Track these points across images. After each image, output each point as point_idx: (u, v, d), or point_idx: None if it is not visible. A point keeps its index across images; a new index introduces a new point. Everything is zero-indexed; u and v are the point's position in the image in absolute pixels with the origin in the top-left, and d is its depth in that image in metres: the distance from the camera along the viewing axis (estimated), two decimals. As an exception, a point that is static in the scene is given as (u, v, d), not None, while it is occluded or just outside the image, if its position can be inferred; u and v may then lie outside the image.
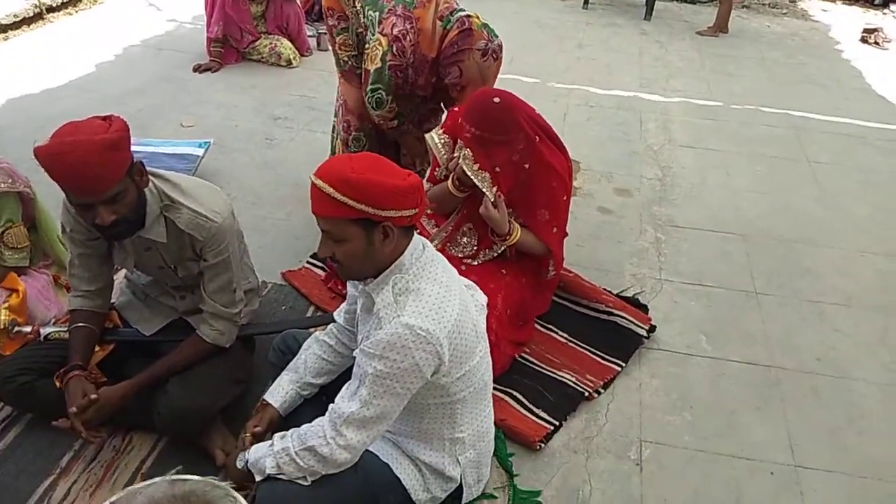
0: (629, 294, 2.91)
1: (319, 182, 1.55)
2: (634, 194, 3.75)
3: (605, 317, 2.71)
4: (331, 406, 1.70)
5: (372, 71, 2.69)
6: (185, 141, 3.72)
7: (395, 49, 2.63)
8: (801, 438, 2.37)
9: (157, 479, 0.98)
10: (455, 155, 2.45)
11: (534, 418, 2.34)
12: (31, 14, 5.57)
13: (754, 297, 3.01)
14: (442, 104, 2.98)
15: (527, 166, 2.41)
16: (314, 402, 1.97)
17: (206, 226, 1.99)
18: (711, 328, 2.83)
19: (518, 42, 5.84)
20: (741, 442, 2.35)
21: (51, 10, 5.76)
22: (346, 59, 2.96)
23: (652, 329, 2.72)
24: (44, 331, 2.21)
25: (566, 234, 2.61)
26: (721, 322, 2.86)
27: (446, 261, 1.78)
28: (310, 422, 1.76)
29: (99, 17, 5.86)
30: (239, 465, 1.79)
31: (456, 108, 2.53)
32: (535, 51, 5.74)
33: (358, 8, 2.80)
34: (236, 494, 0.97)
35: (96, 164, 1.74)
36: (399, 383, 1.61)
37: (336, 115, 3.18)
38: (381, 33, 2.67)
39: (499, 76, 2.68)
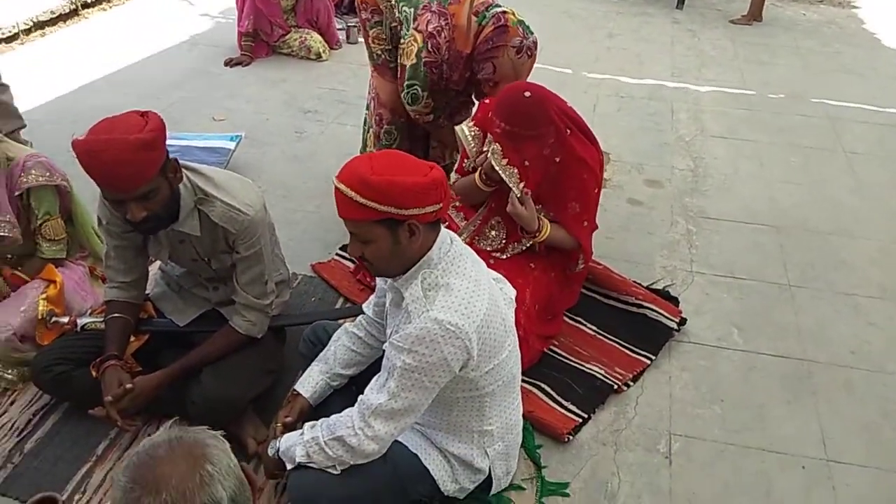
0: (659, 286, 2.89)
1: (341, 186, 1.57)
2: (665, 185, 3.71)
3: (634, 309, 2.69)
4: (360, 397, 1.71)
5: (408, 67, 2.70)
6: (216, 134, 3.77)
7: (429, 46, 2.64)
8: (834, 433, 2.34)
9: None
10: (485, 149, 2.44)
11: (562, 410, 2.34)
12: (67, 10, 5.67)
13: (787, 290, 2.97)
14: (473, 96, 2.98)
15: (557, 160, 2.39)
16: (344, 393, 1.99)
17: (239, 219, 2.02)
18: (743, 321, 2.79)
19: (547, 32, 5.78)
20: (772, 436, 2.32)
21: (86, 5, 5.86)
22: (379, 52, 2.96)
23: (682, 322, 2.69)
24: (80, 321, 2.26)
25: (596, 227, 2.59)
26: (753, 315, 2.83)
27: (475, 254, 1.78)
28: (339, 412, 1.78)
29: (132, 13, 5.95)
30: (270, 453, 1.82)
31: (487, 101, 2.52)
32: (565, 41, 5.69)
33: (392, 2, 2.80)
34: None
35: (128, 163, 1.77)
36: (427, 377, 1.62)
37: (368, 108, 3.19)
38: (415, 29, 2.68)
39: (529, 69, 2.68)
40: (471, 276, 1.67)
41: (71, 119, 4.01)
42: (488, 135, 2.43)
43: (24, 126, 3.47)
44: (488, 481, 1.91)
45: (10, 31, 5.11)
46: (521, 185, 2.37)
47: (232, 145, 3.62)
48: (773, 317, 2.82)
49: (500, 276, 1.91)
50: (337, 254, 3.04)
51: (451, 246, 1.70)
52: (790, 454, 2.26)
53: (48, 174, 2.38)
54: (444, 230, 1.72)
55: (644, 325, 2.65)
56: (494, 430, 1.84)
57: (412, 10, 2.72)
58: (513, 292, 1.90)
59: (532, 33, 2.61)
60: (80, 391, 2.12)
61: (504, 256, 2.56)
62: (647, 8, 6.66)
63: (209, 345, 2.13)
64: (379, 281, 1.93)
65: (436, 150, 3.17)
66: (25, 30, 5.28)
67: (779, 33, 6.14)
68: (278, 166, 3.73)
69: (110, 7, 6.03)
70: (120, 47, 5.15)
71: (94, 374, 2.08)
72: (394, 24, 2.84)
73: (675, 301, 2.79)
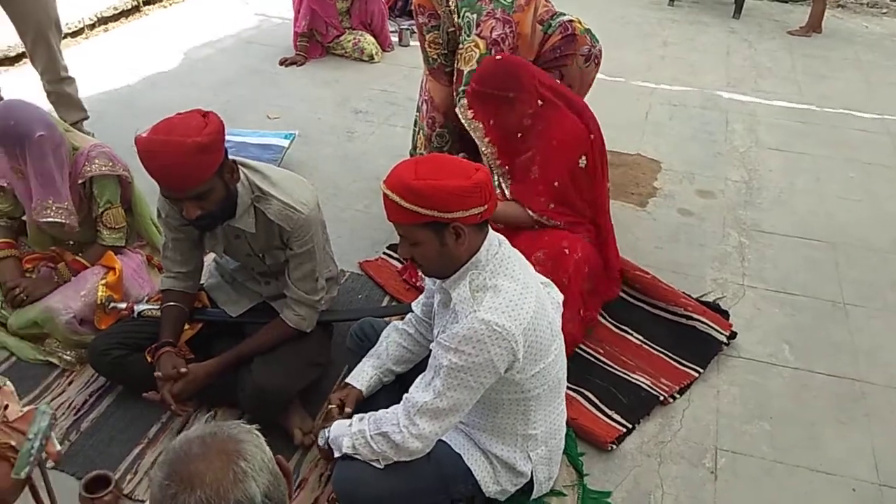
0: (709, 299, 2.84)
1: (387, 191, 1.61)
2: (718, 196, 3.65)
3: (683, 321, 2.66)
4: (405, 395, 1.73)
5: (466, 72, 2.69)
6: (271, 132, 3.84)
7: (493, 52, 2.63)
8: (887, 456, 2.27)
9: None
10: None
11: (606, 419, 2.32)
12: (129, 7, 5.83)
13: (842, 308, 2.90)
14: None
15: (528, 122, 2.42)
16: (389, 389, 2.02)
17: (294, 217, 2.06)
18: (795, 338, 2.73)
19: (600, 39, 5.75)
20: (822, 456, 2.27)
21: (147, 2, 6.02)
22: (435, 56, 2.98)
23: (732, 336, 2.65)
24: (137, 308, 2.33)
25: (546, 206, 2.49)
26: (805, 332, 2.77)
27: (522, 257, 1.79)
28: (385, 407, 1.81)
29: (191, 11, 6.09)
30: (320, 441, 1.86)
31: None
32: (618, 48, 5.63)
33: (452, 7, 2.81)
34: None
35: (183, 166, 1.83)
36: (473, 377, 1.63)
37: (419, 110, 3.21)
38: (478, 35, 2.67)
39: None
40: (519, 278, 1.68)
41: (130, 113, 4.13)
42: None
43: (87, 118, 3.59)
44: (529, 485, 1.91)
45: (75, 27, 5.27)
46: (486, 139, 2.43)
47: (286, 143, 3.68)
48: (827, 335, 2.76)
49: (547, 280, 1.91)
50: (384, 252, 3.07)
51: (499, 248, 1.71)
52: (840, 475, 2.20)
53: (111, 164, 2.46)
54: (492, 232, 1.73)
55: (693, 338, 2.61)
56: (539, 435, 1.83)
57: (475, 15, 2.72)
58: (560, 297, 1.89)
59: (598, 42, 2.63)
60: (135, 375, 2.18)
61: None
62: (702, 16, 6.57)
63: (260, 336, 2.18)
64: (427, 281, 1.95)
65: None
66: (90, 25, 5.45)
67: (839, 45, 5.99)
68: (329, 165, 3.78)
69: (170, 4, 6.18)
70: (178, 44, 5.28)
71: (148, 359, 2.14)
72: (451, 28, 2.85)
73: (725, 314, 2.74)
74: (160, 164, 1.82)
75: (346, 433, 1.79)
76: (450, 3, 2.81)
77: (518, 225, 2.48)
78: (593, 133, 2.48)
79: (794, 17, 6.62)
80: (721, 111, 4.63)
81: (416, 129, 3.28)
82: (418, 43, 3.10)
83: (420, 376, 1.77)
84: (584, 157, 2.45)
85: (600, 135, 2.51)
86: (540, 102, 2.39)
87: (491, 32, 2.64)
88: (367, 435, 1.74)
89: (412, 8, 3.04)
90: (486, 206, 1.62)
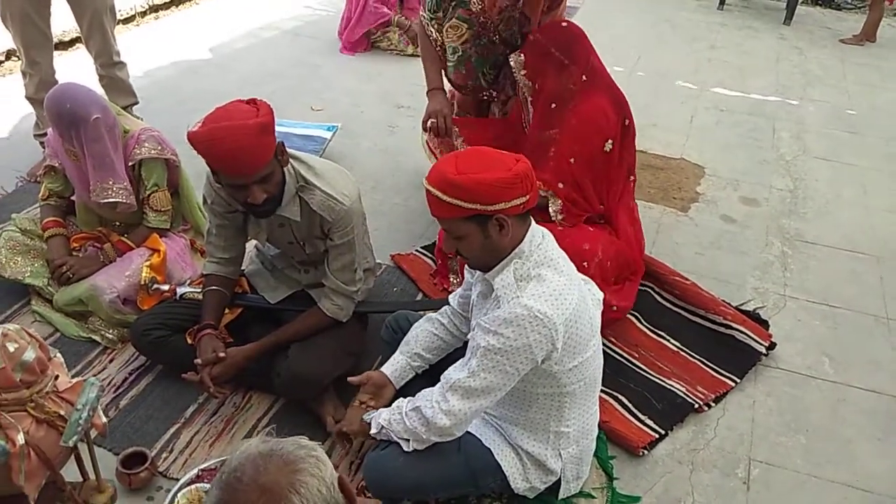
0: (749, 308, 2.80)
1: (429, 187, 1.63)
2: (762, 204, 3.59)
3: (722, 329, 2.63)
4: (443, 374, 1.75)
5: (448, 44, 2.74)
6: (314, 123, 3.88)
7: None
8: (928, 477, 2.22)
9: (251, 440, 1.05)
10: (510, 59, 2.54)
11: (638, 424, 2.30)
12: (182, -5, 5.95)
13: (884, 323, 2.83)
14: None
15: (567, 95, 2.45)
16: (425, 379, 2.03)
17: (336, 208, 2.08)
18: (835, 351, 2.68)
19: (647, 40, 5.72)
20: (858, 472, 2.22)
21: (198, -9, 6.13)
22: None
23: (772, 346, 2.60)
24: (180, 290, 2.38)
25: (559, 180, 2.50)
26: (846, 345, 2.71)
27: (565, 254, 1.78)
28: (421, 387, 1.86)
29: (240, 1, 6.18)
30: (366, 418, 1.88)
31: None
32: (665, 50, 5.59)
33: None
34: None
35: (251, 147, 1.86)
36: (509, 361, 1.63)
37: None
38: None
39: (621, 72, 2.64)
40: (563, 270, 1.68)
41: (177, 99, 4.21)
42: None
43: (136, 103, 3.66)
44: (558, 484, 1.90)
45: (128, 13, 5.39)
46: (530, 100, 2.48)
47: (328, 135, 3.72)
48: (868, 350, 2.70)
49: (588, 278, 1.89)
50: (417, 250, 3.07)
51: (542, 240, 1.71)
52: (876, 493, 2.15)
53: (159, 148, 2.51)
54: (535, 225, 1.73)
55: (731, 347, 2.58)
56: (571, 433, 1.83)
57: None
58: (600, 294, 1.88)
59: None
60: (175, 356, 2.23)
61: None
62: (752, 22, 6.46)
63: (297, 323, 2.21)
64: (467, 274, 1.95)
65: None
66: (142, 12, 5.56)
67: (893, 56, 5.85)
68: (370, 158, 3.80)
69: (220, -6, 6.28)
70: (226, 33, 5.36)
71: (188, 340, 2.19)
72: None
73: (765, 324, 2.70)
74: (227, 148, 1.84)
75: (386, 409, 1.83)
76: None
77: None
78: (629, 119, 2.49)
79: (846, 26, 6.48)
80: (768, 118, 4.55)
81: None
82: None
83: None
84: (610, 142, 2.46)
85: (633, 124, 2.52)
86: (584, 78, 2.42)
87: None
88: (403, 410, 1.77)
89: None
90: (527, 196, 1.63)
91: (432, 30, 2.81)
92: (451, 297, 2.06)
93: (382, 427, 1.82)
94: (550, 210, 2.53)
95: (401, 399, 1.84)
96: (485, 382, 1.66)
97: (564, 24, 2.46)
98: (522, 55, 2.50)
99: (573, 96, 2.44)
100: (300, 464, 0.96)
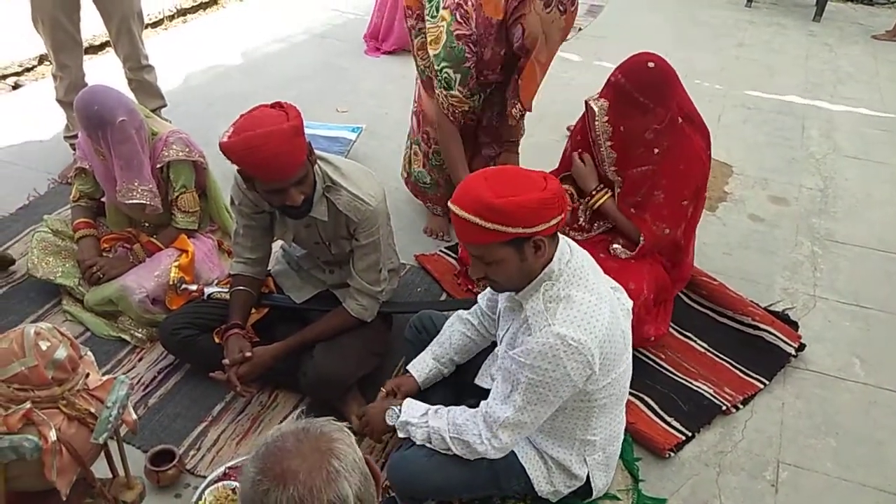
0: (778, 308, 2.76)
1: (463, 213, 1.54)
2: (791, 204, 3.54)
3: (750, 330, 2.60)
4: (484, 409, 1.73)
5: (439, 49, 2.54)
6: (339, 125, 3.90)
7: (458, 16, 2.49)
8: (962, 481, 2.17)
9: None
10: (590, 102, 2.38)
11: (664, 426, 2.28)
12: (208, -1, 6.02)
13: (918, 325, 2.78)
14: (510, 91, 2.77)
15: (656, 151, 2.32)
16: (444, 383, 2.05)
17: (362, 208, 2.09)
18: (867, 352, 2.63)
19: (672, 37, 5.65)
20: (889, 476, 2.19)
21: (225, -5, 6.19)
22: (424, 66, 2.78)
23: (801, 347, 2.57)
24: (207, 290, 2.40)
25: (678, 237, 2.45)
26: (878, 347, 2.66)
27: (593, 261, 1.77)
28: (439, 398, 1.88)
29: (266, 3, 6.22)
30: (389, 420, 1.87)
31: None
32: (691, 48, 5.53)
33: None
34: (350, 437, 1.04)
35: (287, 151, 1.88)
36: (552, 392, 1.63)
37: (411, 121, 3.11)
38: (443, 8, 2.54)
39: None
40: (592, 287, 1.65)
41: (205, 102, 4.26)
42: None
43: (165, 105, 3.71)
44: (585, 488, 1.89)
45: (156, 17, 5.46)
46: (610, 144, 2.33)
47: (353, 136, 3.74)
48: (900, 351, 2.65)
49: (617, 284, 1.87)
50: (441, 250, 3.07)
51: (571, 256, 1.68)
52: (910, 497, 2.12)
53: (187, 150, 2.54)
54: (563, 239, 1.70)
55: (760, 348, 2.55)
56: (597, 441, 1.82)
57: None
58: (629, 303, 1.86)
59: None
60: (202, 355, 2.25)
61: (584, 236, 2.52)
62: (781, 18, 6.36)
63: (322, 323, 2.22)
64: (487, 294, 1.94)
65: (488, 149, 3.05)
66: (170, 16, 5.63)
67: (927, 52, 5.73)
68: (394, 159, 3.79)
69: (247, -2, 6.34)
70: (253, 37, 5.40)
71: (216, 340, 2.22)
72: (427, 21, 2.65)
73: (794, 325, 2.66)
74: (264, 156, 1.85)
75: (420, 424, 1.81)
76: None
77: (623, 228, 2.45)
78: (709, 150, 2.44)
79: (879, 22, 6.36)
80: (797, 116, 4.48)
81: (409, 146, 3.13)
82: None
83: (488, 372, 1.83)
84: (702, 178, 2.43)
85: (711, 152, 2.47)
86: (680, 120, 2.30)
87: None
88: (447, 436, 1.76)
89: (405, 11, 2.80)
90: (562, 215, 1.59)
91: (457, 107, 2.66)
92: (480, 296, 2.05)
93: (408, 424, 1.82)
94: (615, 246, 2.46)
95: (435, 414, 1.80)
96: (533, 415, 1.67)
97: (651, 64, 2.22)
98: (605, 101, 2.32)
99: (659, 138, 2.30)
100: (335, 434, 1.02)
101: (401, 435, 1.84)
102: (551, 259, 1.64)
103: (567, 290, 1.62)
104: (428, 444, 1.78)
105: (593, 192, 2.48)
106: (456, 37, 2.53)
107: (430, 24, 2.59)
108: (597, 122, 2.34)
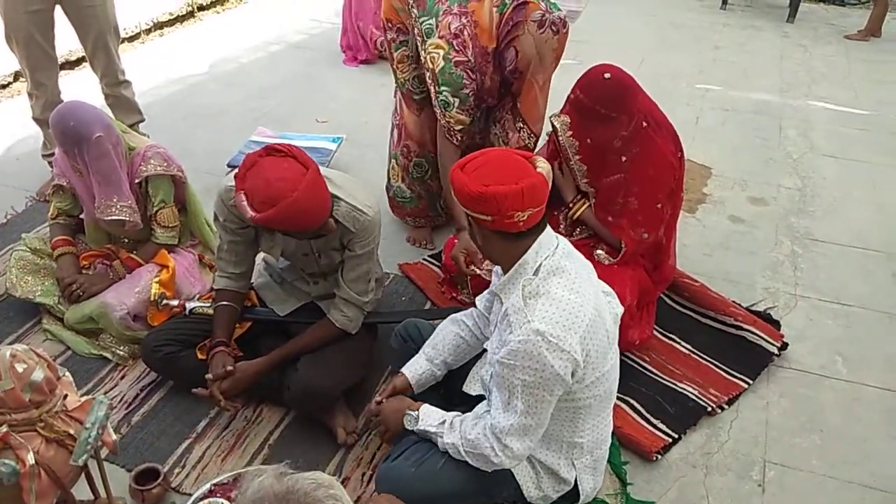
0: (760, 308, 2.78)
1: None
2: (770, 204, 3.58)
3: (733, 331, 2.61)
4: (489, 420, 1.73)
5: (437, 71, 2.54)
6: (319, 135, 3.89)
7: (455, 45, 2.51)
8: (944, 474, 2.19)
9: (267, 468, 1.01)
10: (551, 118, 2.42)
11: (651, 428, 2.28)
12: (185, 12, 5.98)
13: (899, 320, 2.81)
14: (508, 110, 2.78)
15: (624, 159, 2.35)
16: (436, 386, 2.05)
17: (361, 218, 2.08)
18: (848, 350, 2.66)
19: (650, 42, 5.71)
20: (875, 472, 2.20)
21: (201, 8, 6.16)
22: (404, 79, 2.78)
23: (784, 346, 2.58)
24: (189, 305, 2.38)
25: (658, 238, 2.47)
26: (860, 344, 2.69)
27: (583, 260, 1.77)
28: (433, 401, 1.90)
29: (244, 16, 6.22)
30: (408, 425, 1.88)
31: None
32: (668, 52, 5.58)
33: (413, 19, 2.63)
34: (340, 492, 0.95)
35: (322, 199, 1.96)
36: (547, 391, 1.63)
37: (391, 135, 3.10)
38: (438, 37, 2.54)
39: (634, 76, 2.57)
40: (573, 284, 1.65)
41: (183, 115, 4.24)
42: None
43: (143, 120, 3.68)
44: (573, 493, 1.89)
45: (132, 31, 5.43)
46: (578, 157, 2.35)
47: (333, 146, 3.73)
48: (882, 348, 2.67)
49: (610, 290, 1.87)
50: (425, 259, 3.07)
51: (554, 251, 1.68)
52: (893, 493, 2.13)
53: (165, 164, 2.52)
54: (552, 236, 1.71)
55: (743, 348, 2.56)
56: (585, 443, 1.82)
57: (433, 19, 2.55)
58: (620, 309, 1.86)
59: (559, 9, 2.40)
60: (185, 371, 2.23)
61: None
62: (755, 20, 6.44)
63: (307, 336, 2.20)
64: (493, 277, 1.94)
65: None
66: (146, 30, 5.60)
67: (899, 50, 5.81)
68: (375, 168, 3.79)
69: (224, 10, 6.31)
70: (230, 49, 5.39)
71: (199, 356, 2.19)
72: (419, 39, 2.64)
73: (776, 324, 2.68)
74: (304, 217, 1.91)
75: (437, 433, 1.82)
76: (414, 9, 2.60)
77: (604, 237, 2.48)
78: (680, 152, 2.44)
79: (851, 22, 6.45)
80: (774, 117, 4.53)
81: (390, 159, 3.12)
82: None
83: (476, 379, 1.85)
84: (674, 179, 2.44)
85: (683, 152, 2.48)
86: (644, 125, 2.32)
87: (449, 28, 2.52)
88: (462, 451, 1.77)
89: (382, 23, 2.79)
90: (534, 210, 1.63)
91: (454, 126, 2.63)
92: (477, 299, 2.04)
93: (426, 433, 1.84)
94: (598, 252, 2.48)
95: (449, 427, 1.81)
96: (536, 418, 1.67)
97: (607, 75, 2.24)
98: (567, 116, 2.36)
99: (628, 145, 2.32)
100: (320, 497, 0.94)
101: (412, 428, 1.86)
102: (527, 249, 1.66)
103: (546, 287, 1.63)
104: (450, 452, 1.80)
105: (571, 204, 2.51)
106: (454, 63, 2.53)
107: (428, 49, 2.57)
108: (561, 138, 2.38)
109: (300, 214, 1.88)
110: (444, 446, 1.80)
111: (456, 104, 2.59)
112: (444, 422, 1.82)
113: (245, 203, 1.86)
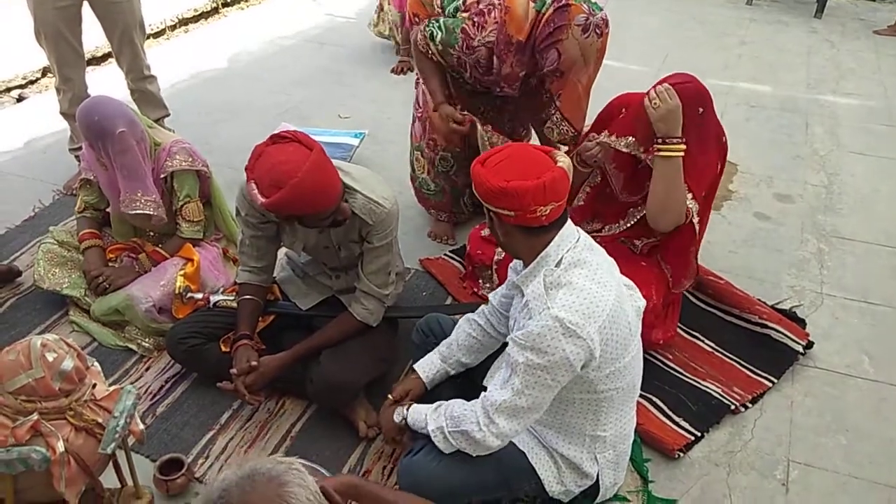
0: (785, 306, 2.75)
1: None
2: (796, 201, 3.53)
3: (758, 329, 2.58)
4: (483, 394, 1.73)
5: (441, 23, 2.57)
6: (342, 131, 3.90)
7: (475, 20, 2.50)
8: (972, 477, 2.15)
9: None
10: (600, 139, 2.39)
11: (673, 426, 2.27)
12: (209, 8, 6.03)
13: (927, 321, 2.76)
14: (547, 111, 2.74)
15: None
16: (454, 384, 2.05)
17: (378, 211, 2.09)
18: (875, 349, 2.62)
19: (674, 38, 5.65)
20: (902, 473, 2.17)
21: (225, 4, 6.20)
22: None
23: (809, 345, 2.56)
24: (213, 298, 2.41)
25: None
26: (887, 343, 2.65)
27: (605, 254, 1.76)
28: (449, 398, 1.85)
29: (267, 12, 6.24)
30: (397, 419, 1.89)
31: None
32: (692, 47, 5.52)
33: (436, 5, 2.64)
34: (301, 467, 1.00)
35: (330, 178, 1.96)
36: (550, 375, 1.62)
37: (412, 125, 3.10)
38: (462, 12, 2.54)
39: (648, 72, 2.57)
40: (595, 275, 1.66)
41: (208, 111, 4.27)
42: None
43: (168, 115, 3.72)
44: (594, 488, 1.88)
45: (158, 27, 5.48)
46: (641, 149, 2.31)
47: (356, 142, 3.74)
48: (910, 347, 2.63)
49: (631, 283, 1.86)
50: (446, 254, 3.07)
51: (576, 244, 1.69)
52: (921, 495, 2.11)
53: (190, 159, 2.55)
54: (573, 230, 1.72)
55: (767, 346, 2.53)
56: (607, 437, 1.81)
57: (459, 1, 2.57)
58: (642, 303, 1.85)
59: (600, 9, 2.39)
60: (209, 364, 2.26)
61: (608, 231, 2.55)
62: (782, 16, 6.35)
63: (329, 330, 2.22)
64: (511, 273, 1.94)
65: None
66: (171, 26, 5.65)
67: (930, 45, 5.71)
68: (396, 164, 3.80)
69: (247, 6, 6.35)
70: (254, 45, 5.42)
71: (223, 349, 2.22)
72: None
73: (802, 323, 2.65)
74: (313, 199, 1.92)
75: (425, 422, 1.82)
76: (437, 0, 2.62)
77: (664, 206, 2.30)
78: (724, 136, 2.46)
79: (880, 17, 6.34)
80: (801, 113, 4.47)
81: (412, 149, 3.13)
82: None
83: (497, 373, 1.79)
84: (718, 164, 2.44)
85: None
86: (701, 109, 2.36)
87: (478, 4, 2.51)
88: (446, 431, 1.76)
89: (408, 17, 2.77)
90: (559, 202, 1.65)
91: (434, 50, 2.64)
92: (491, 295, 2.05)
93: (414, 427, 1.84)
94: (636, 242, 2.50)
95: (434, 411, 1.82)
96: (530, 400, 1.65)
97: (700, 110, 2.29)
98: (633, 138, 2.32)
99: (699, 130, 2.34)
100: (284, 476, 0.97)
101: (410, 423, 1.87)
102: (552, 239, 1.67)
103: (568, 278, 1.64)
104: (439, 446, 1.79)
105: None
106: (462, 30, 2.54)
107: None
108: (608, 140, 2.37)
109: (309, 195, 1.88)
110: (433, 436, 1.79)
111: (438, 51, 2.62)
112: (427, 414, 1.83)
113: (255, 191, 1.89)
